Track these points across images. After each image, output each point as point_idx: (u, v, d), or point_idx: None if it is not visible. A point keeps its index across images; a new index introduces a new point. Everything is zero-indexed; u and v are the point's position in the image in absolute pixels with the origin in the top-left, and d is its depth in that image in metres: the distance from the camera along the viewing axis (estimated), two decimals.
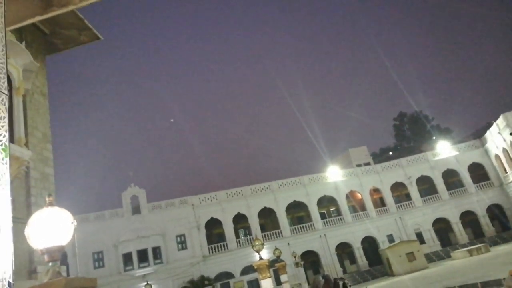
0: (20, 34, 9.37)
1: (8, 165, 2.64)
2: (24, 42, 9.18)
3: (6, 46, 2.95)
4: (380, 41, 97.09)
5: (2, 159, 2.62)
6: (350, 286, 24.62)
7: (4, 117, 2.74)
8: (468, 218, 39.51)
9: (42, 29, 10.51)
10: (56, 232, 2.64)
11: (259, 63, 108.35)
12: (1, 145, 2.66)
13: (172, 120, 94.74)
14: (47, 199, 2.78)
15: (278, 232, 36.40)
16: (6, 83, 2.85)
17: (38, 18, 4.26)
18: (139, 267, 31.12)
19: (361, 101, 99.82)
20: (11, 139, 8.05)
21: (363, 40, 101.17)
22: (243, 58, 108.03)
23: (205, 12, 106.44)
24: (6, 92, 2.82)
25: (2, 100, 2.78)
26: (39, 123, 9.83)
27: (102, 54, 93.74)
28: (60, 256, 2.74)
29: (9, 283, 2.36)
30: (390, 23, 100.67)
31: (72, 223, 2.75)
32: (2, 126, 2.72)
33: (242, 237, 36.35)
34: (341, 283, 23.91)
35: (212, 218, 35.46)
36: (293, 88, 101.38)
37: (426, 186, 41.08)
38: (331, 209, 40.77)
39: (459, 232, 38.51)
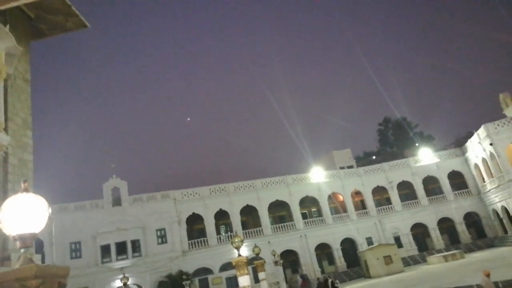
0: (4, 16, 9.15)
1: None
2: (8, 26, 8.97)
3: None
4: (367, 48, 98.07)
5: None
6: (337, 284, 25.01)
7: None
8: (446, 225, 40.34)
9: (27, 13, 10.28)
10: (30, 218, 2.60)
11: (244, 66, 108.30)
12: None
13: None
14: (22, 185, 2.73)
15: (259, 230, 36.51)
16: None
17: (23, 1, 4.18)
18: (117, 260, 30.78)
19: (347, 105, 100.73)
20: None
21: (349, 45, 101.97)
22: (228, 60, 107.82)
23: (197, 12, 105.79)
24: None
25: None
26: (20, 109, 9.63)
27: (87, 42, 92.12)
28: (33, 243, 2.70)
29: None
30: (376, 30, 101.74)
31: (47, 210, 2.71)
32: None
33: (223, 234, 36.34)
34: (329, 281, 24.41)
35: (193, 213, 35.33)
36: (279, 90, 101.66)
37: (406, 191, 41.76)
38: (312, 210, 41.09)
39: (436, 237, 39.26)
